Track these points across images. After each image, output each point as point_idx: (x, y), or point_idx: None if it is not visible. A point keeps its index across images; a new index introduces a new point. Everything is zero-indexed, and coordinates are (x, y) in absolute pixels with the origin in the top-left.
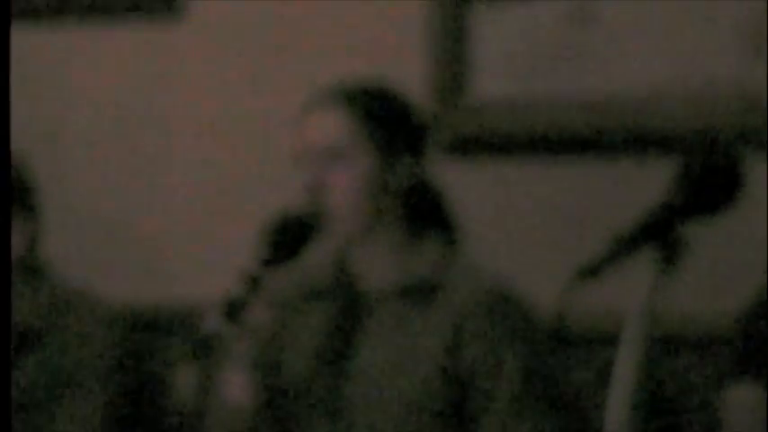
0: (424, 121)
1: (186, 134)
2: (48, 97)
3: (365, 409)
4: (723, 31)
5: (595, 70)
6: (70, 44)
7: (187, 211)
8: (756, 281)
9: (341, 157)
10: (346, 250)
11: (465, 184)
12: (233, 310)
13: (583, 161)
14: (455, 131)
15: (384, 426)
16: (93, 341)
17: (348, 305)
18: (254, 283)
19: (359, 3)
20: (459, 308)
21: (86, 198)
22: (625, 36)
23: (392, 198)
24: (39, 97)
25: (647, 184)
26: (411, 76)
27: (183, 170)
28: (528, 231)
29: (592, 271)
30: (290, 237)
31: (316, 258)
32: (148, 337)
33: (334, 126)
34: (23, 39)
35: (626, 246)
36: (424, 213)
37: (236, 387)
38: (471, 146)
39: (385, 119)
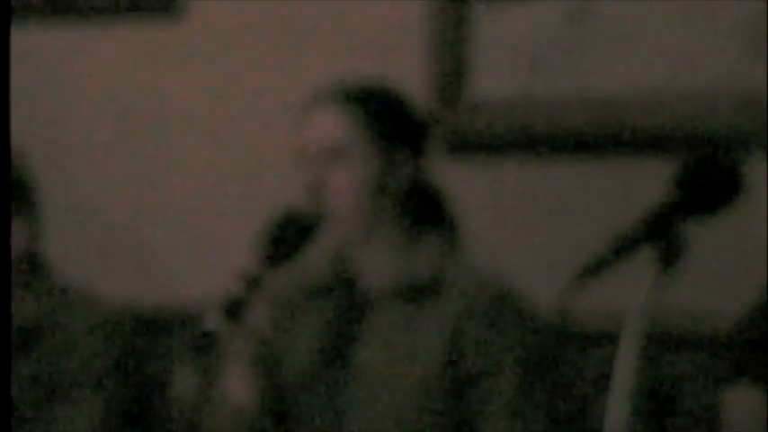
0: (425, 120)
1: (186, 133)
2: (48, 97)
3: (365, 408)
4: (723, 30)
5: (595, 70)
6: (70, 44)
7: (187, 210)
8: (757, 281)
9: (341, 156)
10: (346, 250)
11: (465, 184)
12: (233, 310)
13: (582, 160)
14: (455, 131)
15: (384, 424)
16: (93, 341)
17: (348, 304)
18: (254, 282)
19: (359, 3)
20: (458, 308)
21: (87, 197)
22: (625, 36)
23: (392, 198)
24: (39, 97)
25: (647, 183)
26: (411, 76)
27: (183, 169)
28: (528, 231)
29: (591, 271)
30: (290, 236)
31: (316, 258)
32: (149, 336)
33: (334, 126)
34: (24, 38)
35: (626, 245)
36: (424, 213)
37: (237, 386)
38: (471, 145)
39: (385, 118)
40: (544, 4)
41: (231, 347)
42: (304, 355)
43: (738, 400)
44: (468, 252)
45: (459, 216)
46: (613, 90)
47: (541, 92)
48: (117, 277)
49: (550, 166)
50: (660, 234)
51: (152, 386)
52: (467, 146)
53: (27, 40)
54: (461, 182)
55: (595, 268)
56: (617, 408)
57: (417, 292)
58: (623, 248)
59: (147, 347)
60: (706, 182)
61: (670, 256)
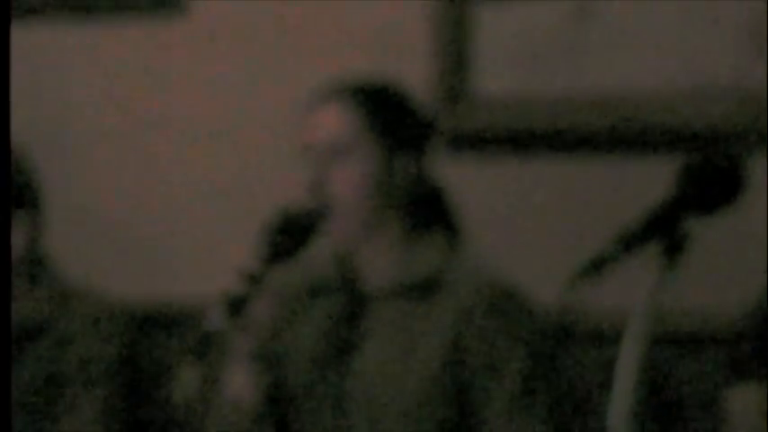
0: (428, 118)
1: (188, 131)
2: (49, 95)
3: (367, 406)
4: (725, 28)
5: (597, 68)
6: (72, 42)
7: (189, 208)
8: (761, 279)
9: (344, 153)
10: (348, 247)
11: (467, 182)
12: (235, 307)
13: (583, 158)
14: (458, 128)
15: (386, 422)
16: (94, 338)
17: (350, 302)
18: (255, 280)
19: (361, 1)
20: (461, 305)
21: (88, 195)
22: (627, 33)
23: (395, 195)
24: (41, 95)
25: (651, 181)
26: (413, 74)
27: (184, 167)
28: (530, 228)
29: (595, 268)
30: (292, 233)
31: (318, 255)
32: (150, 334)
33: (337, 123)
34: (25, 37)
35: (629, 243)
36: (427, 210)
37: (239, 384)
38: (474, 143)
39: (389, 116)
40: (545, 3)
41: (233, 345)
42: (306, 352)
43: (741, 399)
44: (470, 249)
45: (462, 213)
46: (614, 87)
47: (543, 89)
48: (118, 275)
49: (551, 163)
50: (664, 231)
51: (153, 384)
52: (468, 143)
53: (29, 37)
54: (463, 179)
55: (599, 265)
56: (620, 405)
57: (419, 290)
58: (627, 245)
59: (148, 345)
60: (709, 179)
61: (674, 253)
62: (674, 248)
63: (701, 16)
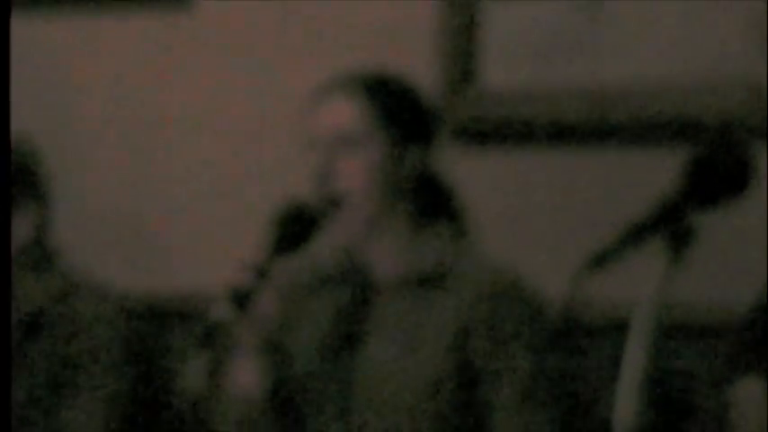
0: (435, 110)
1: (194, 126)
2: (55, 88)
3: (374, 398)
4: (731, 21)
5: (604, 61)
6: (78, 36)
7: (195, 200)
8: (764, 273)
9: (352, 144)
10: (355, 238)
11: (474, 174)
12: (241, 300)
13: (592, 151)
14: (465, 121)
15: (393, 414)
16: (99, 330)
17: (357, 294)
18: (262, 272)
19: None
20: (468, 297)
21: (94, 188)
22: (633, 27)
23: (402, 186)
24: (46, 88)
25: (657, 173)
26: (420, 66)
27: (189, 161)
28: (537, 221)
29: (601, 261)
30: (299, 224)
31: (325, 246)
32: (156, 326)
33: (346, 113)
34: (33, 30)
35: (635, 235)
36: (434, 203)
37: (245, 376)
38: (481, 135)
39: (397, 107)
40: None
41: (239, 338)
42: (313, 345)
43: (747, 393)
44: (477, 241)
45: (469, 206)
46: (622, 81)
47: (549, 82)
48: (124, 267)
49: (558, 156)
50: (670, 224)
51: (159, 377)
52: (475, 136)
53: (36, 31)
54: (470, 171)
55: (605, 258)
56: (626, 398)
57: (426, 282)
58: (633, 238)
59: (154, 338)
60: (716, 172)
61: (680, 245)
62: (681, 241)
63: (708, 7)
